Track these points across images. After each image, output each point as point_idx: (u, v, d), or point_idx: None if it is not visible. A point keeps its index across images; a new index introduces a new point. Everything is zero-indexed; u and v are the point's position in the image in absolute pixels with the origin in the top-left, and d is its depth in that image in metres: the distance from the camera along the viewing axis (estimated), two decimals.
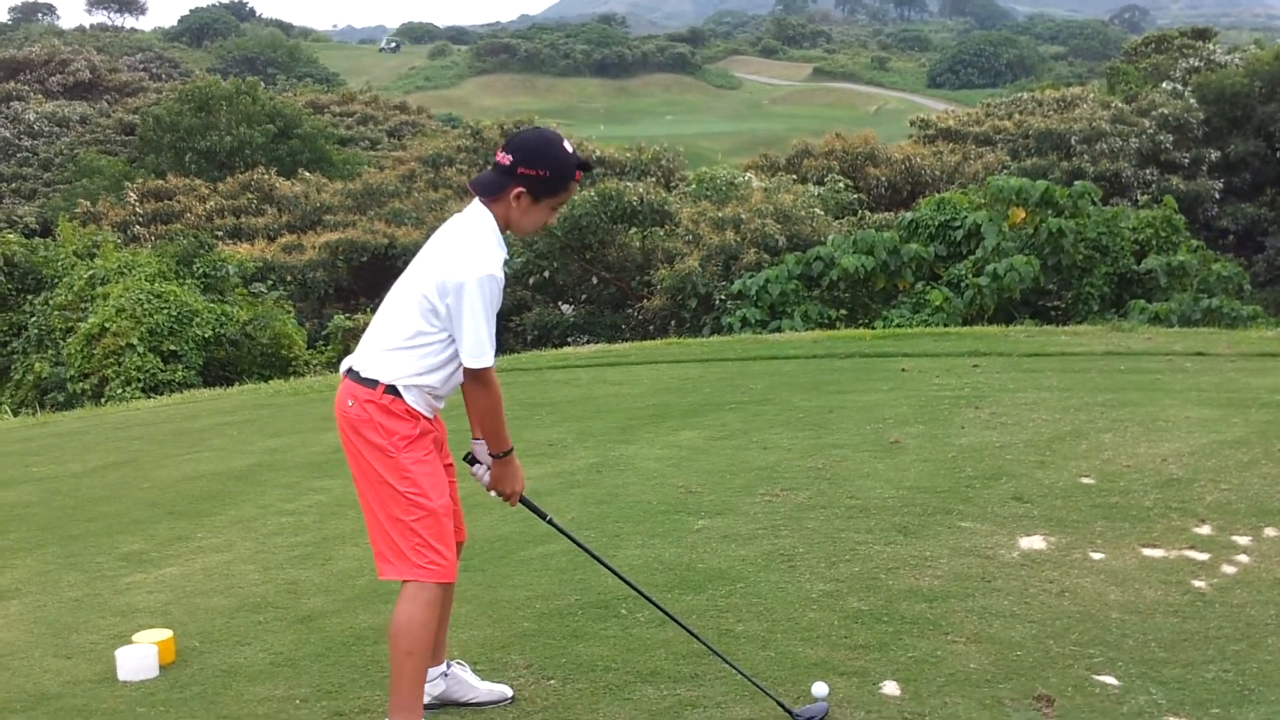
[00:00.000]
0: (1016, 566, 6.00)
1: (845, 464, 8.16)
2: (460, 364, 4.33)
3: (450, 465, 4.65)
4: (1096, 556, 6.09)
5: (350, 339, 24.88)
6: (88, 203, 42.16)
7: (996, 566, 6.00)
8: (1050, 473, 7.59)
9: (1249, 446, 8.05)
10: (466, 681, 4.81)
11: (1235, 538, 6.29)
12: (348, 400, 4.44)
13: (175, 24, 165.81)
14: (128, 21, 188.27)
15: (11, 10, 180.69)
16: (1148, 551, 6.15)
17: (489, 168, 4.45)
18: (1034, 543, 6.33)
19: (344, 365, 4.54)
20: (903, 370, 11.96)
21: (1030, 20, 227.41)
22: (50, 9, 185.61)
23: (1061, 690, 4.64)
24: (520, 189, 4.32)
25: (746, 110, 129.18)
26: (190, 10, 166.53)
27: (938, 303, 20.59)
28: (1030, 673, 4.80)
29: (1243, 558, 6.02)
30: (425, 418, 4.42)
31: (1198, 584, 5.69)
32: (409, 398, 4.35)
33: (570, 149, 4.42)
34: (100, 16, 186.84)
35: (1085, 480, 7.38)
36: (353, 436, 4.43)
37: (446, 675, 4.79)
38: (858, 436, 9.01)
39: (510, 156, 4.34)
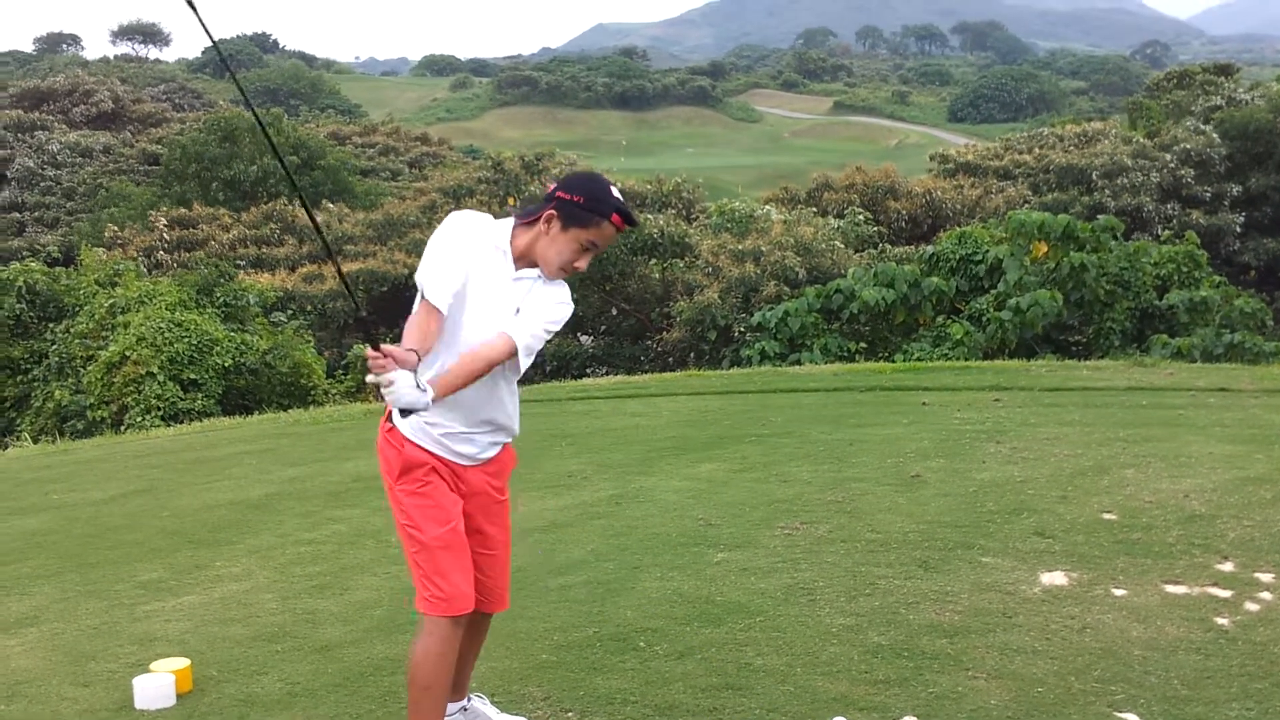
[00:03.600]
0: (1038, 602, 5.95)
1: (865, 498, 8.12)
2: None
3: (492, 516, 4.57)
4: (1119, 593, 6.05)
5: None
6: (115, 227, 42.36)
7: (1018, 602, 5.96)
8: (1072, 508, 7.54)
9: (1272, 483, 7.98)
10: (485, 715, 4.79)
11: (1259, 575, 6.23)
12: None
13: (199, 55, 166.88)
14: (152, 53, 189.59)
15: (36, 41, 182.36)
16: (1170, 588, 6.10)
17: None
18: (1055, 578, 6.28)
19: None
20: (923, 404, 11.93)
21: (1051, 55, 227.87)
22: (75, 40, 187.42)
23: None
24: (552, 212, 4.31)
25: (767, 143, 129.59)
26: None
27: (958, 336, 20.55)
28: (1052, 710, 4.76)
29: (1266, 595, 5.96)
30: (428, 450, 4.34)
31: (1221, 621, 5.64)
32: (404, 428, 4.32)
33: (615, 193, 4.35)
34: (125, 47, 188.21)
35: (1107, 516, 7.34)
36: None
37: (466, 710, 4.75)
38: (878, 470, 8.97)
39: (555, 184, 4.37)
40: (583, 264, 4.40)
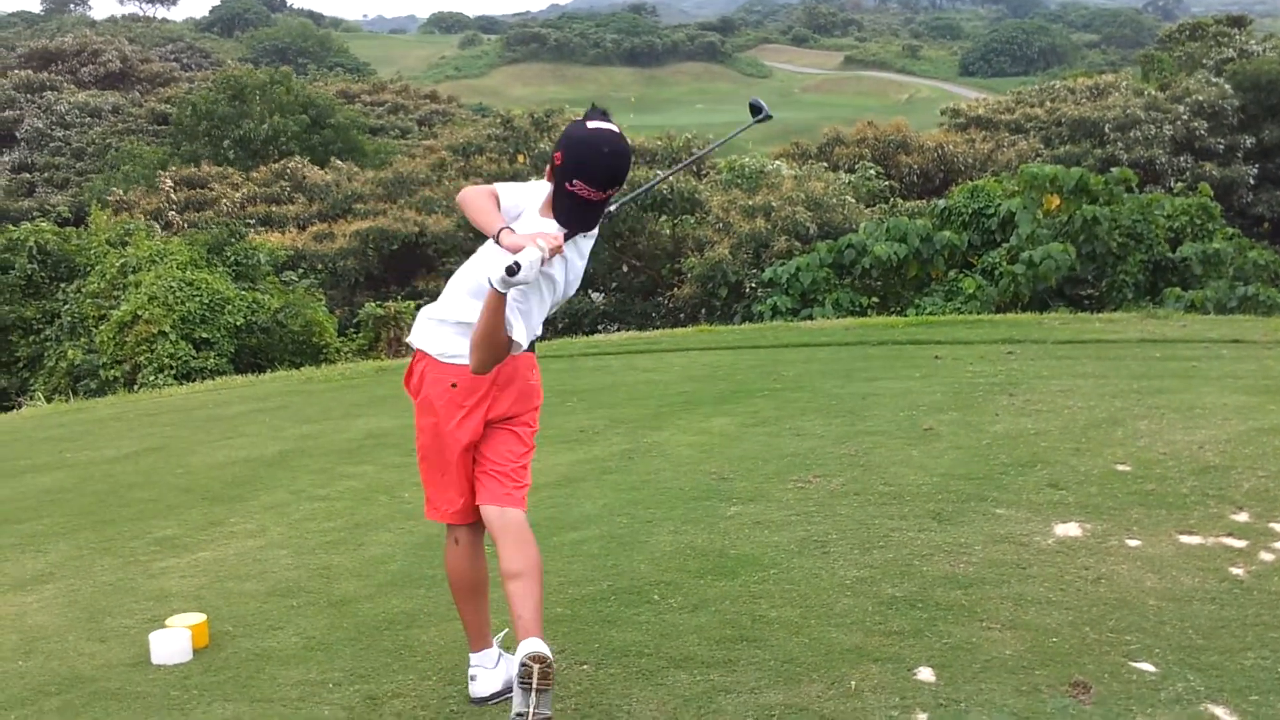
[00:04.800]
0: (1052, 553, 5.95)
1: (878, 451, 8.11)
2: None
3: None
4: (1133, 543, 6.04)
5: (381, 326, 24.92)
6: (120, 191, 42.31)
7: (1032, 553, 5.95)
8: (1085, 460, 7.52)
9: None
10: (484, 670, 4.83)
11: (1273, 525, 6.21)
12: None
13: (206, 14, 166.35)
14: (159, 12, 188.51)
15: (44, 1, 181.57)
16: (1185, 538, 6.09)
17: None
18: (1069, 530, 6.28)
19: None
20: (936, 358, 11.90)
21: (1063, 8, 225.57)
22: None
23: (1098, 677, 4.60)
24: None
25: (777, 99, 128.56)
26: (221, 0, 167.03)
27: (971, 290, 20.50)
28: (1066, 659, 4.76)
29: None
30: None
31: (1235, 571, 5.63)
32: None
33: (602, 152, 4.21)
34: (131, 7, 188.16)
35: (1121, 467, 7.32)
36: None
37: (501, 656, 4.82)
38: (891, 424, 8.96)
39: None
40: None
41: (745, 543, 6.34)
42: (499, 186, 4.45)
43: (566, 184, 4.21)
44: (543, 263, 4.02)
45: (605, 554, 6.29)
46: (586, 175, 4.19)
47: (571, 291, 4.56)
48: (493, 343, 4.13)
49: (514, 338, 4.17)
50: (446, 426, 4.52)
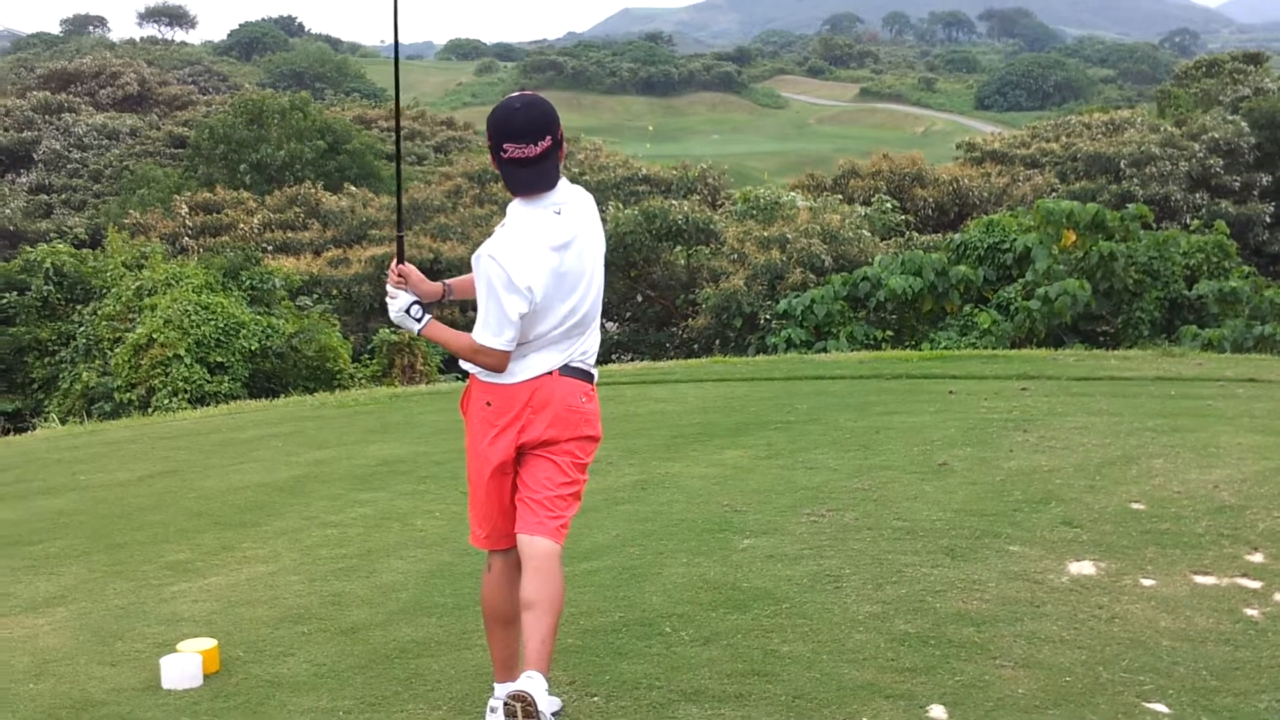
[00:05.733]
0: (1066, 592, 5.93)
1: (892, 485, 8.09)
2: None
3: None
4: (1147, 583, 6.01)
5: (394, 353, 24.94)
6: (136, 213, 42.51)
7: (1045, 591, 5.93)
8: (1100, 497, 7.50)
9: None
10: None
11: None
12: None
13: (225, 38, 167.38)
14: (178, 35, 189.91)
15: (63, 23, 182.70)
16: (1199, 579, 6.06)
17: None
18: (1083, 568, 6.25)
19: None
20: (950, 392, 11.88)
21: (1079, 43, 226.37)
22: (101, 21, 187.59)
23: (1111, 717, 4.58)
24: None
25: (793, 130, 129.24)
26: (240, 24, 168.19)
27: (986, 325, 20.49)
28: (1079, 699, 4.73)
29: None
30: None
31: (1250, 612, 5.60)
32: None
33: (514, 109, 4.42)
34: (150, 29, 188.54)
35: (1136, 506, 7.30)
36: None
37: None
38: (905, 458, 8.94)
39: None
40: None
41: (758, 576, 6.32)
42: (509, 292, 4.39)
43: (501, 154, 4.38)
44: (402, 302, 4.61)
45: (617, 585, 6.28)
46: (510, 134, 4.35)
47: (599, 285, 4.60)
48: (464, 355, 4.49)
49: (489, 345, 4.35)
50: (480, 445, 4.55)
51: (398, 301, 4.62)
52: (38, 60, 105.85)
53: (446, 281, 4.78)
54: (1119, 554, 6.44)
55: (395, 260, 4.65)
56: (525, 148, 4.33)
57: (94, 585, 6.92)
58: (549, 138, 4.38)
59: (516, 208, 4.45)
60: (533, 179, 4.39)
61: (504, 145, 4.34)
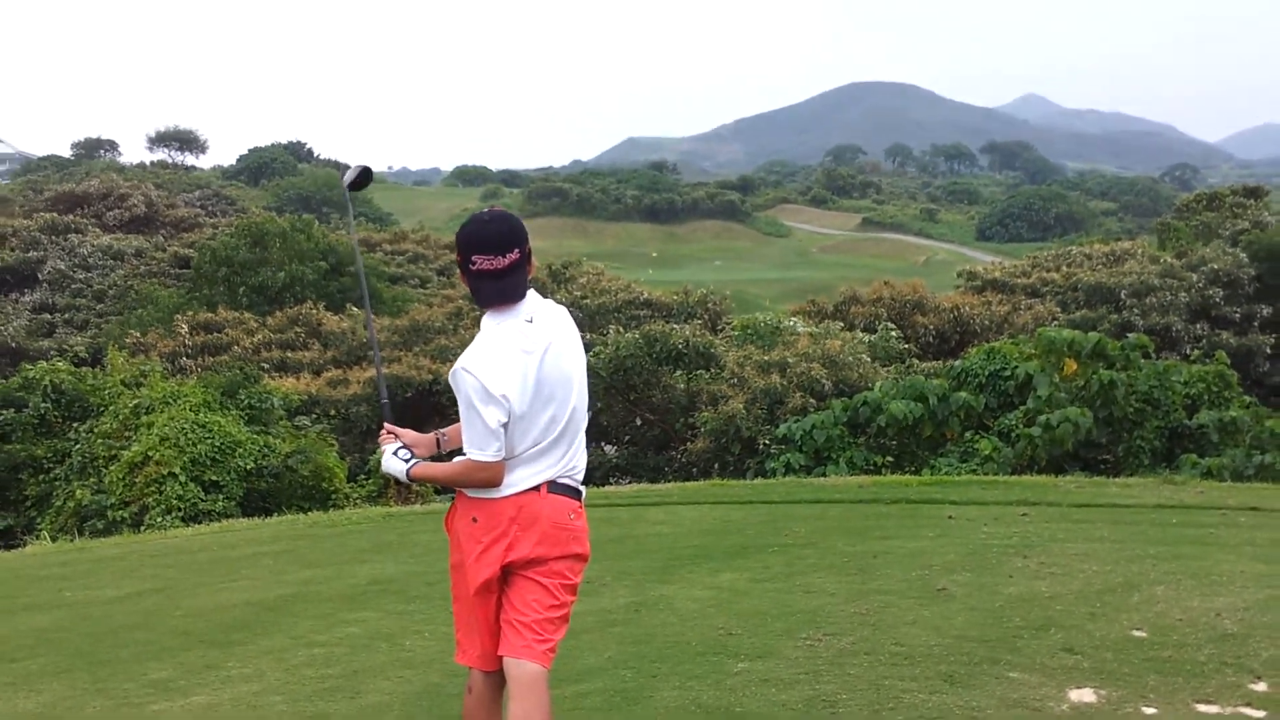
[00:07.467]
0: (1066, 719, 5.79)
1: (890, 610, 7.97)
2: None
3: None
4: (1149, 711, 5.88)
5: None
6: (137, 333, 42.68)
7: (1045, 719, 5.79)
8: (1101, 624, 7.37)
9: None
10: None
11: None
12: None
13: (235, 163, 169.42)
14: (188, 159, 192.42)
15: (74, 146, 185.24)
16: (1202, 707, 5.93)
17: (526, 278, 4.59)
18: (1084, 695, 6.12)
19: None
20: (949, 517, 11.78)
21: (1080, 176, 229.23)
22: (113, 145, 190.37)
23: None
24: None
25: (795, 258, 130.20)
26: (250, 149, 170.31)
27: (987, 452, 20.40)
28: None
29: None
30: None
31: None
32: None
33: (483, 222, 4.51)
34: (161, 154, 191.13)
35: (1137, 633, 7.17)
36: None
37: None
38: (903, 583, 8.82)
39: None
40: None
41: (752, 700, 6.20)
42: (485, 403, 4.44)
43: (470, 266, 4.46)
44: (390, 447, 4.79)
45: (608, 708, 6.15)
46: (479, 246, 4.44)
47: (581, 396, 4.65)
48: (458, 482, 4.54)
49: (479, 459, 4.37)
50: (466, 561, 4.51)
51: (386, 449, 4.77)
52: (47, 183, 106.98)
53: (439, 432, 4.85)
54: (1120, 682, 6.31)
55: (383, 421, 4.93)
56: (494, 259, 4.41)
57: (74, 703, 6.80)
58: (517, 250, 4.45)
59: (488, 321, 4.51)
60: (502, 290, 4.46)
61: (474, 257, 4.42)
